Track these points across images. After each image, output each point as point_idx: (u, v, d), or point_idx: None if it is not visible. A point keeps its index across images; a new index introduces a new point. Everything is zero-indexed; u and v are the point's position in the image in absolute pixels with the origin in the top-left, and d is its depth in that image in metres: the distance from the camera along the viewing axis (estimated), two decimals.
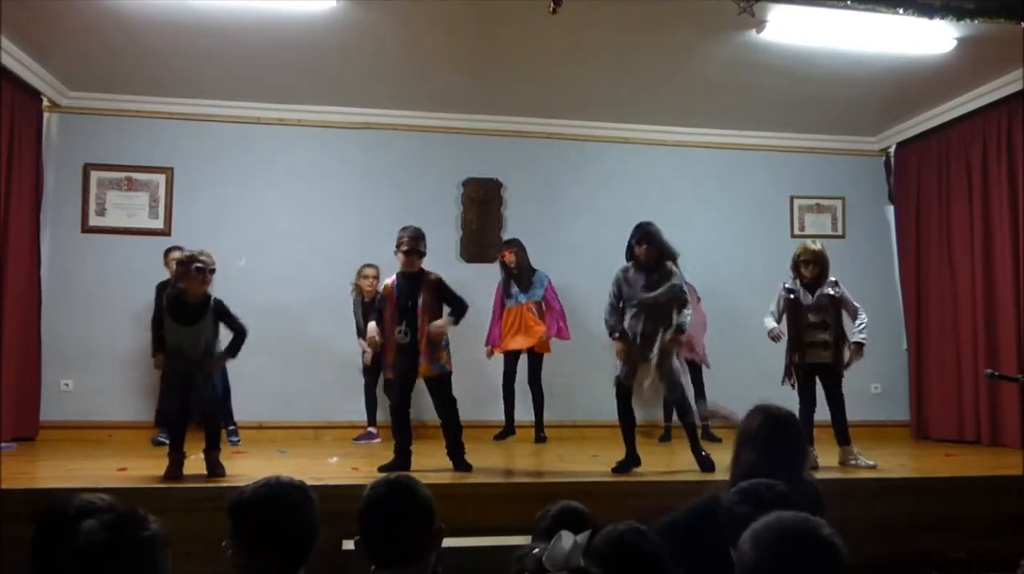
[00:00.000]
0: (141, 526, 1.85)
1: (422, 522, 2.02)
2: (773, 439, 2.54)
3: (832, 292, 5.02)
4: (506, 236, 7.15)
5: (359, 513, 2.04)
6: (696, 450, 4.65)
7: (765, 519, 1.58)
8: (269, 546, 1.95)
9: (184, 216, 6.79)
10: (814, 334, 4.99)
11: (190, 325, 4.28)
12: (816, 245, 5.11)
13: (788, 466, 2.48)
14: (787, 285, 5.10)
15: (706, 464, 4.56)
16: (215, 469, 4.28)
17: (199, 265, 4.25)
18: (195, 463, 4.41)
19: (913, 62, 5.89)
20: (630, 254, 4.74)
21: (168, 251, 6.22)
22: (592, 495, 3.77)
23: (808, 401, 4.98)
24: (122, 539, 1.80)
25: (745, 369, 6.41)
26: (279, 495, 2.01)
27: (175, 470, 4.20)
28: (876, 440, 6.32)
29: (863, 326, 4.98)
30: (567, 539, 2.78)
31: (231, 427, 6.13)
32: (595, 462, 5.07)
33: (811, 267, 5.00)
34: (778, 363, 6.80)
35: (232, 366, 6.35)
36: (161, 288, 6.16)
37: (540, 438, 6.50)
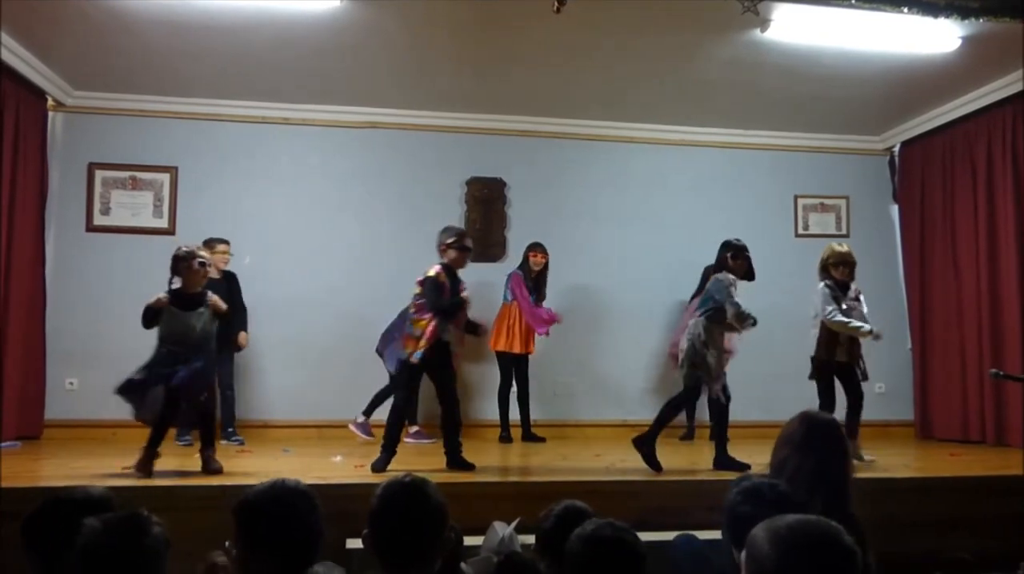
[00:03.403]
0: (143, 530, 1.86)
1: (432, 527, 2.00)
2: (810, 443, 2.48)
3: (858, 295, 5.20)
4: (510, 235, 7.18)
5: (370, 513, 2.01)
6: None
7: (787, 519, 1.55)
8: (269, 550, 1.94)
9: (188, 215, 6.80)
10: (846, 342, 5.11)
11: (192, 310, 4.44)
12: (846, 247, 5.24)
13: (825, 471, 2.43)
14: (828, 283, 5.16)
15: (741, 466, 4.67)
16: (212, 465, 4.35)
17: (201, 260, 4.48)
18: (195, 461, 4.44)
19: (917, 61, 5.87)
20: (726, 267, 5.03)
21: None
22: (596, 494, 3.77)
23: (831, 400, 5.10)
24: (125, 543, 1.82)
25: (746, 369, 6.40)
26: (283, 501, 2.00)
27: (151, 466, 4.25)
28: (880, 439, 6.33)
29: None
30: (499, 529, 2.82)
31: (230, 429, 6.18)
32: (598, 461, 5.07)
33: (843, 269, 5.14)
34: (776, 363, 6.80)
35: (237, 363, 6.42)
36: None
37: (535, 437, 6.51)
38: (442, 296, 4.66)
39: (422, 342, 4.61)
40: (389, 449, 4.57)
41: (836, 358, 5.09)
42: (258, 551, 1.95)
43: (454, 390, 4.86)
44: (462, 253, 4.83)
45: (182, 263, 4.45)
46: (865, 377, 5.16)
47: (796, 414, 2.61)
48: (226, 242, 6.27)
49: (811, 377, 5.18)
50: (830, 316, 5.02)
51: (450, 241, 4.81)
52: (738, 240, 5.10)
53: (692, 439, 6.62)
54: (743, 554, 1.59)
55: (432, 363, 4.69)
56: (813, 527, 1.53)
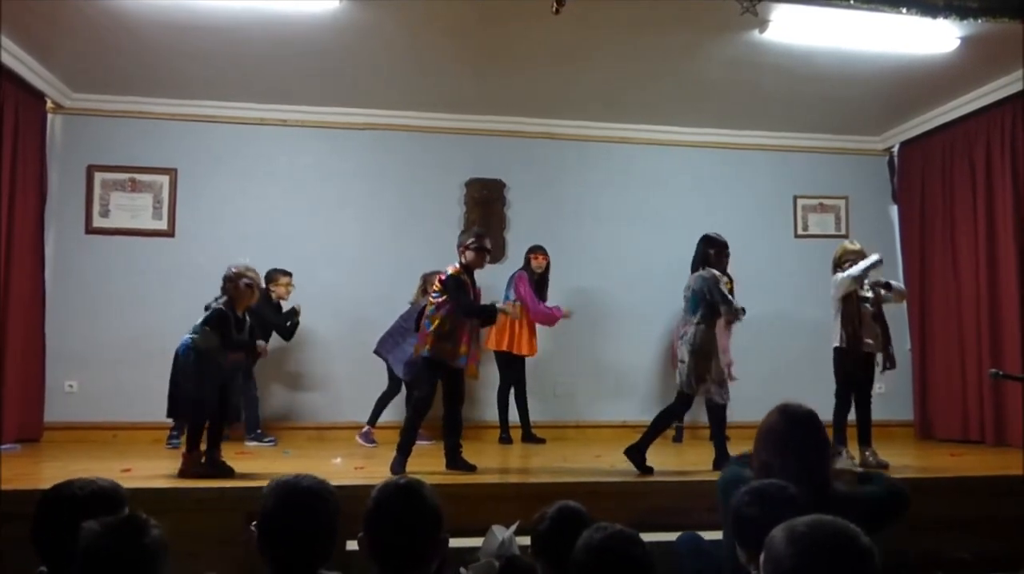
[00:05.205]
0: (142, 532, 1.85)
1: (428, 529, 1.99)
2: (791, 438, 2.50)
3: (879, 287, 5.21)
4: (509, 236, 7.17)
5: (365, 515, 2.00)
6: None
7: (805, 519, 1.57)
8: (288, 540, 1.94)
9: (188, 217, 6.80)
10: (871, 326, 5.12)
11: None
12: (858, 245, 5.25)
13: (809, 467, 2.45)
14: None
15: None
16: (221, 468, 4.37)
17: (247, 281, 4.62)
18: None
19: (916, 61, 5.88)
20: (710, 262, 4.95)
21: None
22: (596, 495, 3.77)
23: (848, 396, 5.09)
24: (123, 545, 1.81)
25: (746, 369, 6.40)
26: (306, 494, 1.99)
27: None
28: (880, 440, 6.25)
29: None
30: (499, 533, 2.80)
31: (259, 430, 6.23)
32: (599, 462, 5.07)
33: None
34: (776, 363, 6.76)
35: None
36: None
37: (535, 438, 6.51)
38: (466, 295, 4.76)
39: (462, 347, 4.73)
40: (406, 449, 4.60)
41: (863, 347, 5.05)
42: (277, 541, 1.95)
43: (462, 390, 4.90)
44: (479, 254, 4.90)
45: (229, 283, 4.61)
46: (893, 364, 5.14)
47: (774, 407, 2.61)
48: (288, 274, 6.34)
49: (836, 371, 5.14)
50: (844, 275, 5.04)
51: (469, 242, 4.90)
52: (718, 235, 5.09)
53: (681, 441, 6.61)
54: (761, 555, 1.59)
55: (446, 363, 4.75)
56: (831, 527, 1.55)
